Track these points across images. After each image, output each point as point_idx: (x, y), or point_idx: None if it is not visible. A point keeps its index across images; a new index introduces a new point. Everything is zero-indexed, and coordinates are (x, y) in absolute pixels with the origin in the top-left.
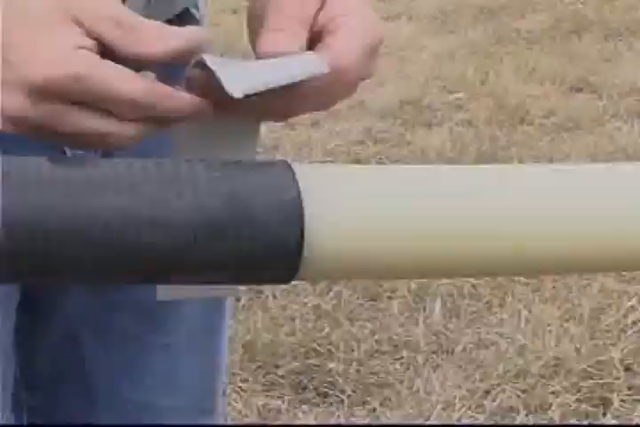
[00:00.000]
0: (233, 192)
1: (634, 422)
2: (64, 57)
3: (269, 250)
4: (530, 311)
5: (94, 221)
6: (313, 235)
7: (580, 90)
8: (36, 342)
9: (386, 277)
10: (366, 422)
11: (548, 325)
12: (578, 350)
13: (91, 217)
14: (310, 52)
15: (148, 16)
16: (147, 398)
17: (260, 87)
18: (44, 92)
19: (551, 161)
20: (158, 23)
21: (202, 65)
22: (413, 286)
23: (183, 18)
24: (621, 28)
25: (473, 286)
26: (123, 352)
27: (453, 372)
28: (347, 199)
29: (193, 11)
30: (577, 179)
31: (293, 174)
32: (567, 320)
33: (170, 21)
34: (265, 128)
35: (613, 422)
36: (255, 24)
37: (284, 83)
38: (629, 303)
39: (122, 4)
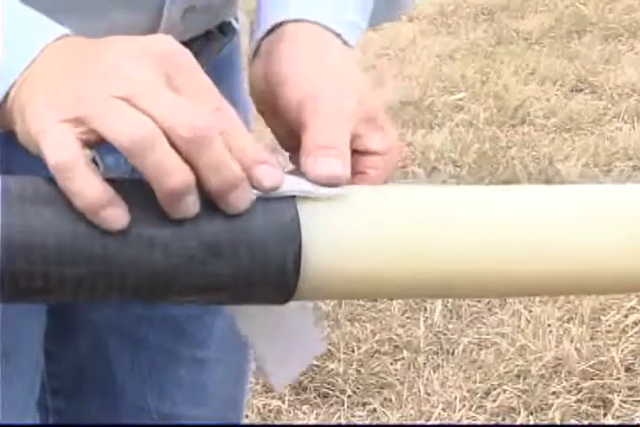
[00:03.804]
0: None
1: (634, 423)
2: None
3: (267, 270)
4: (530, 312)
5: (93, 239)
6: (310, 255)
7: (580, 90)
8: (64, 348)
9: (383, 296)
10: (367, 422)
11: (549, 325)
12: (578, 351)
13: (89, 236)
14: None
15: (187, 27)
16: (173, 409)
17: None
18: (164, 65)
19: (551, 162)
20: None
21: None
22: None
23: (223, 30)
24: (621, 28)
25: None
26: (151, 363)
27: (454, 372)
28: (344, 219)
29: (233, 22)
30: (575, 198)
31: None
32: (568, 321)
33: (209, 33)
34: (265, 128)
35: (614, 422)
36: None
37: None
38: (630, 304)
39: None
